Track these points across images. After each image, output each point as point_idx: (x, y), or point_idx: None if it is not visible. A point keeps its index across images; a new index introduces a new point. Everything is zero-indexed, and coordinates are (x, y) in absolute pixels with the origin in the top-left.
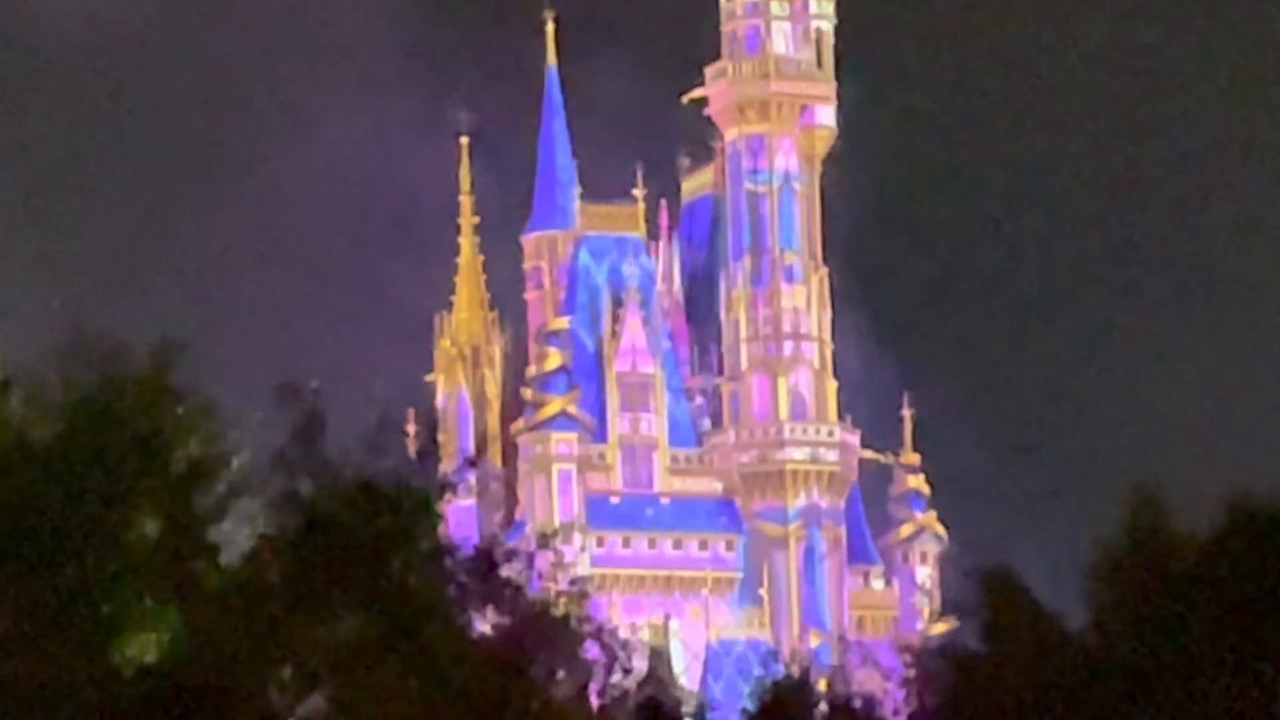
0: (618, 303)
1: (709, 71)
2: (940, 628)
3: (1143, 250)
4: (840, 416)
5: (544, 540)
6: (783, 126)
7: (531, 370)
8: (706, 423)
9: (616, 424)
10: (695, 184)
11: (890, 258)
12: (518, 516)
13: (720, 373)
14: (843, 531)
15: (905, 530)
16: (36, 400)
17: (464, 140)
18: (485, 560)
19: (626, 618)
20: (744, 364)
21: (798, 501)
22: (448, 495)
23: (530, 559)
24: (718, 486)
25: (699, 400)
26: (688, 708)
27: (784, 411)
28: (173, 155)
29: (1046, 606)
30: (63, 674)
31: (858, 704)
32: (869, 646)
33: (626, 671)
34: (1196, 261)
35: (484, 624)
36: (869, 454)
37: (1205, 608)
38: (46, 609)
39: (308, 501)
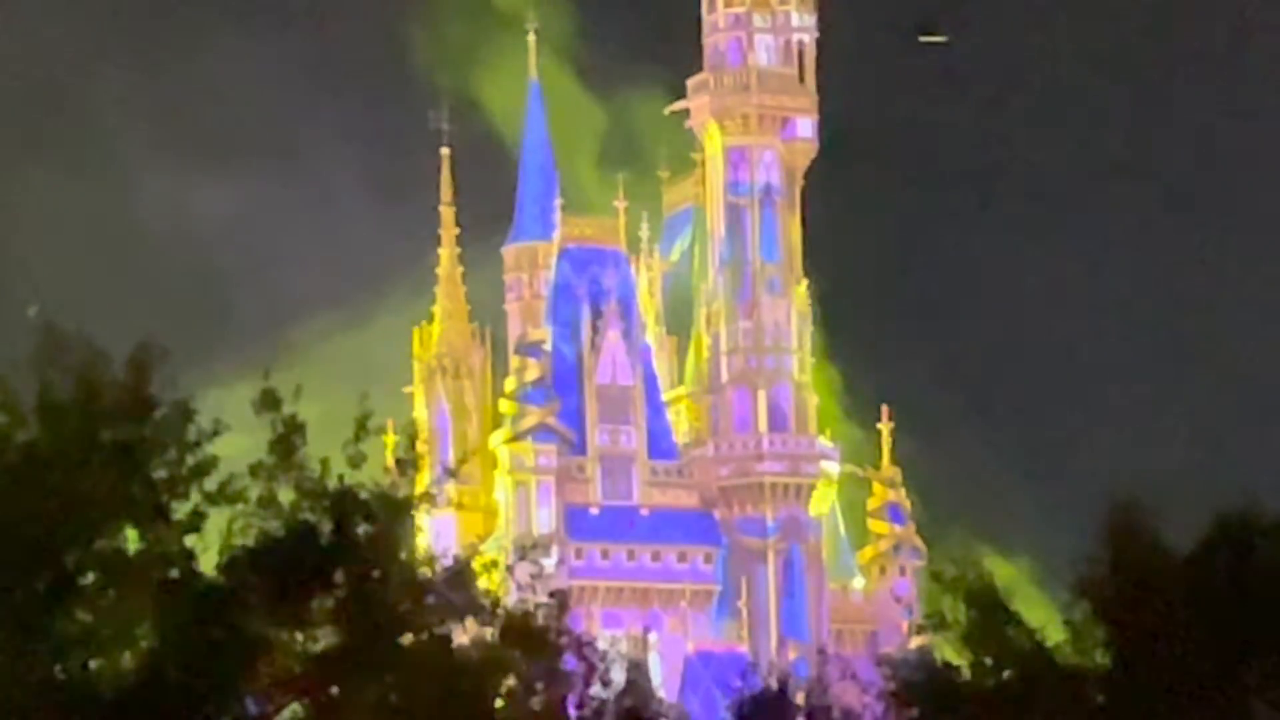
0: (598, 314)
1: (690, 83)
2: (919, 641)
3: (1126, 264)
4: (819, 429)
5: (523, 552)
6: (764, 139)
7: (511, 382)
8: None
9: (596, 436)
10: (676, 196)
11: (870, 271)
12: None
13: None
14: (822, 544)
15: (884, 543)
16: (11, 407)
17: (445, 151)
18: (464, 571)
19: (605, 630)
20: (724, 377)
21: (777, 514)
22: (426, 506)
23: (509, 570)
24: (697, 499)
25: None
26: None
27: (763, 424)
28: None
29: (1026, 621)
30: (39, 681)
31: (836, 716)
32: (848, 659)
33: (605, 683)
34: (1179, 275)
35: (462, 635)
36: (848, 467)
37: (1186, 623)
38: (23, 616)
39: (287, 510)
